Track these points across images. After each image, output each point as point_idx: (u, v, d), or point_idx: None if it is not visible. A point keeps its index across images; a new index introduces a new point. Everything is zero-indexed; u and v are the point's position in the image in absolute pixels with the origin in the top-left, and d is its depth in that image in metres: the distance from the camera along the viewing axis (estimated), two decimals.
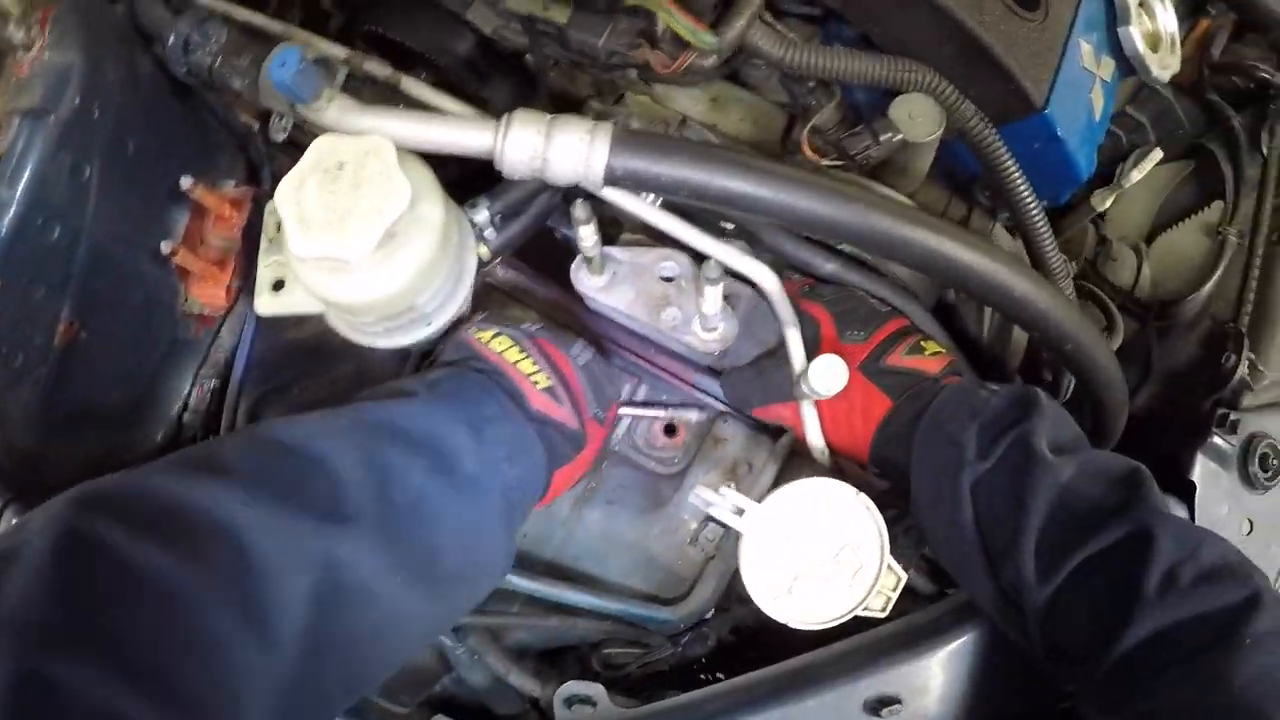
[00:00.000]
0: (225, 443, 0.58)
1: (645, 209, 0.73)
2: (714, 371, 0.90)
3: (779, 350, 0.81)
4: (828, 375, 0.73)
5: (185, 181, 0.78)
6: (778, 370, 0.79)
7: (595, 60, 0.79)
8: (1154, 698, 0.62)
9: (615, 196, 0.72)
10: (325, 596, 0.52)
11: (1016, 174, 0.82)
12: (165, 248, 0.77)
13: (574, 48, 0.78)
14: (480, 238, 0.82)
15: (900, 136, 0.79)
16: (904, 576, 0.70)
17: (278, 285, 0.78)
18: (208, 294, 0.80)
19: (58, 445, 0.75)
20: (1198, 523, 0.90)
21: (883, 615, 0.71)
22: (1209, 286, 1.00)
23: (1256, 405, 0.95)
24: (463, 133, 0.70)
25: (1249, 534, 0.93)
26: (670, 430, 0.91)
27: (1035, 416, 0.73)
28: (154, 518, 0.49)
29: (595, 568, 0.85)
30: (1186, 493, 0.90)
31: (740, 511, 0.69)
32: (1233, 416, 0.91)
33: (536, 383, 0.73)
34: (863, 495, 0.69)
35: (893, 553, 0.80)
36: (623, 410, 0.89)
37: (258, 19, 0.84)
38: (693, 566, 0.84)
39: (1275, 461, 0.93)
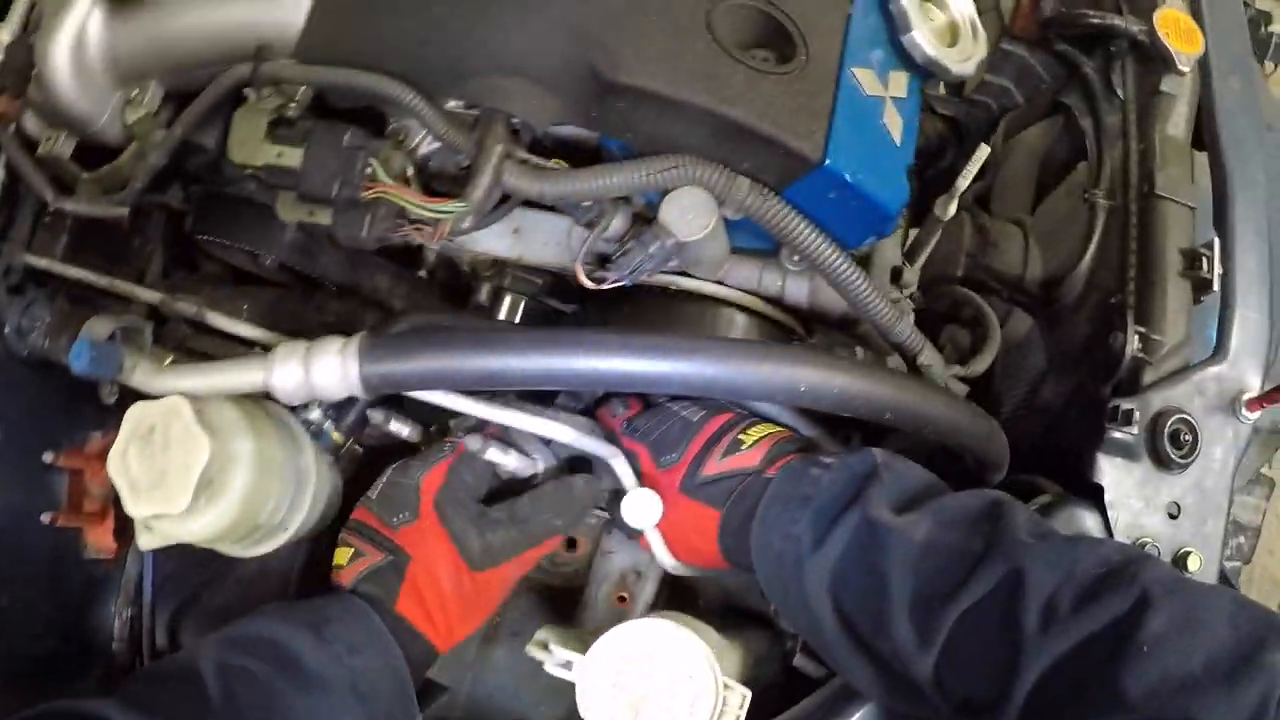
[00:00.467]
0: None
1: (419, 393, 0.77)
2: None
3: None
4: (638, 510, 0.76)
5: (47, 456, 0.87)
6: (617, 503, 0.82)
7: (368, 247, 0.83)
8: None
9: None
10: None
11: (810, 236, 0.80)
12: (46, 518, 0.87)
13: (344, 242, 0.82)
14: (321, 431, 0.88)
15: (674, 240, 0.79)
16: (748, 694, 0.72)
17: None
18: (98, 542, 0.89)
19: (7, 703, 0.86)
20: (1115, 524, 0.87)
21: None
22: (1087, 260, 0.95)
23: (1158, 379, 0.91)
24: (236, 377, 0.75)
25: (1177, 518, 0.90)
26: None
27: (872, 485, 0.73)
28: None
29: (509, 703, 0.90)
30: (1095, 498, 0.88)
31: (568, 665, 0.73)
32: (1124, 407, 0.87)
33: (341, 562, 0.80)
34: (683, 628, 0.72)
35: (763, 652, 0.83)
36: None
37: (88, 275, 0.92)
38: None
39: (1188, 437, 0.89)
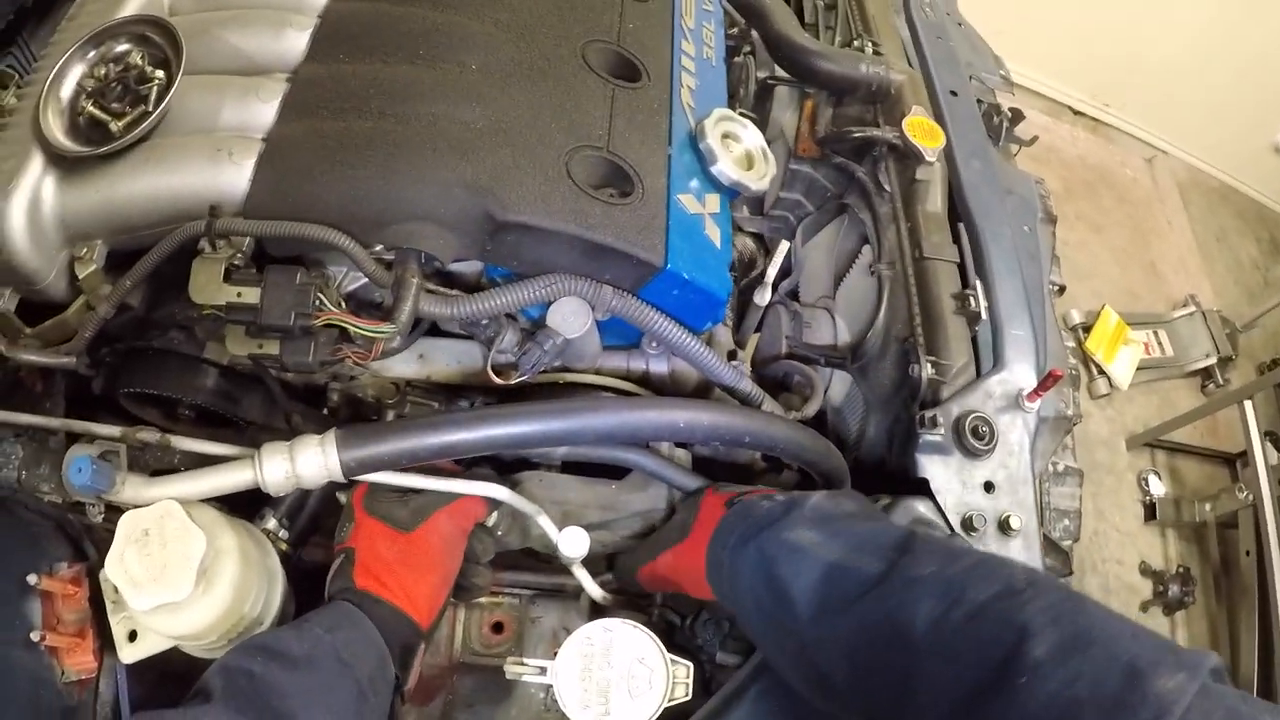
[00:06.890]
0: None
1: (391, 477, 1.12)
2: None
3: None
4: (572, 544, 1.13)
5: (32, 579, 1.11)
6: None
7: (311, 371, 1.18)
8: None
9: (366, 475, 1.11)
10: None
11: (665, 325, 1.19)
12: (35, 636, 1.09)
13: (292, 368, 1.16)
14: (277, 539, 1.20)
15: (562, 338, 1.19)
16: (690, 665, 1.06)
17: (132, 636, 1.11)
18: (78, 662, 1.12)
19: None
20: (945, 505, 1.23)
21: (689, 699, 1.05)
22: (880, 318, 1.40)
23: (954, 392, 1.31)
24: (228, 477, 1.07)
25: (993, 492, 1.27)
26: (498, 628, 1.28)
27: (796, 509, 1.03)
28: None
29: None
30: (925, 490, 1.27)
31: (543, 670, 1.06)
32: (928, 415, 1.26)
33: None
34: (628, 621, 1.06)
35: (696, 640, 1.19)
36: None
37: (37, 419, 1.17)
38: None
39: (986, 429, 1.27)
